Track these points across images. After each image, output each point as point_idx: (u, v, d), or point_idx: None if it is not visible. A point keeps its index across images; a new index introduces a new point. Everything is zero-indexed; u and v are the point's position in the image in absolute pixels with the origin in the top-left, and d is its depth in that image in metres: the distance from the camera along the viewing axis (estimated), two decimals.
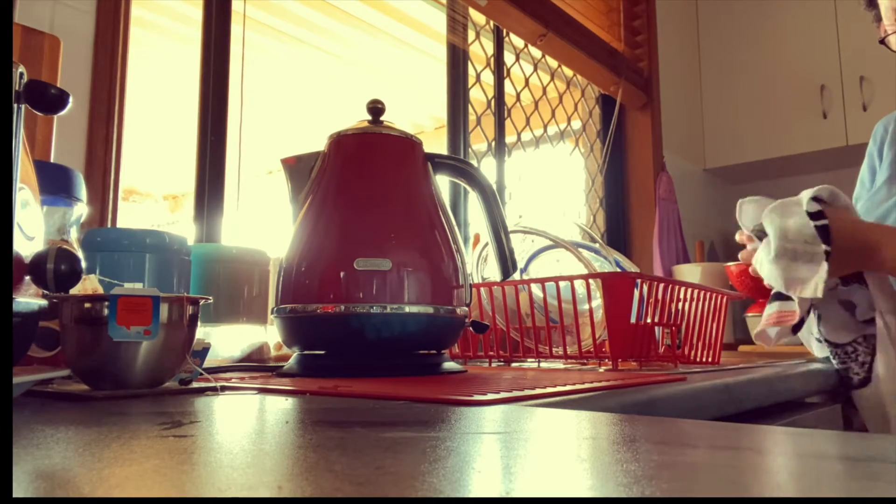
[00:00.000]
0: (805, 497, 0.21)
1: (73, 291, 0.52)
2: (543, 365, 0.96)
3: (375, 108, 0.81)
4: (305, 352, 0.76)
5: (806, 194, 0.91)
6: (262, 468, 0.26)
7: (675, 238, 2.24)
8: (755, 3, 2.51)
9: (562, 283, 0.94)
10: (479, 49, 1.88)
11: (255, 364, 0.88)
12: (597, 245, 1.18)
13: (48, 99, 0.48)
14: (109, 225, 1.01)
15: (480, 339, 1.02)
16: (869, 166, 1.26)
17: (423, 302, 0.73)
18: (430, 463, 0.26)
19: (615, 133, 2.26)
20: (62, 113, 0.49)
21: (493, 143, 1.87)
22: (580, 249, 1.04)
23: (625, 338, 0.88)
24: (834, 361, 1.03)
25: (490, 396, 0.49)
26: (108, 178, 1.02)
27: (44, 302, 0.49)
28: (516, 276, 0.94)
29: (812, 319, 1.03)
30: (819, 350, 1.07)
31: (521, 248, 1.13)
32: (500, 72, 1.93)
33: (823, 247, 0.87)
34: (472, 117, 1.81)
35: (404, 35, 2.49)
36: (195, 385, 0.55)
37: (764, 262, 0.91)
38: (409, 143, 0.81)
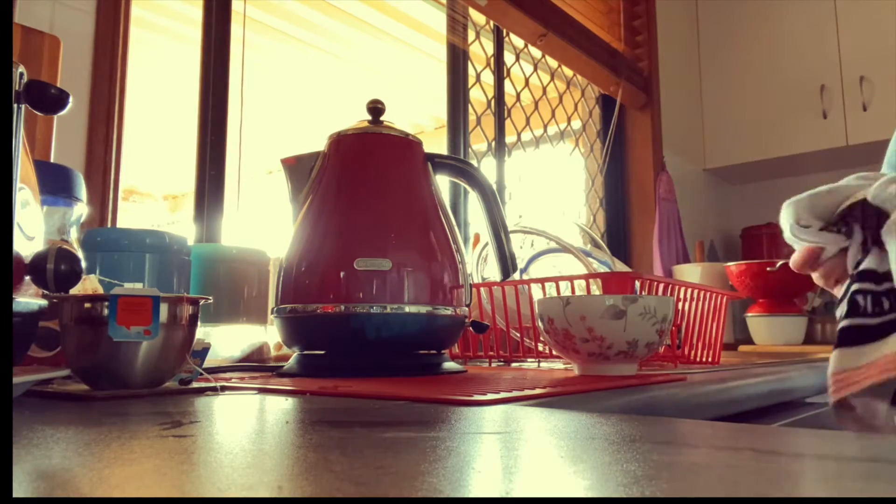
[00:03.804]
0: (805, 497, 0.21)
1: (73, 291, 0.52)
2: (543, 365, 0.96)
3: (375, 108, 0.81)
4: (305, 352, 0.76)
5: None
6: (262, 468, 0.26)
7: (675, 238, 2.24)
8: (755, 3, 2.51)
9: (562, 284, 0.94)
10: (479, 49, 1.88)
11: (255, 364, 0.88)
12: (598, 252, 1.18)
13: (48, 99, 0.48)
14: (109, 225, 1.01)
15: (480, 339, 1.02)
16: None
17: (423, 302, 0.73)
18: (430, 463, 0.26)
19: (615, 133, 2.26)
20: (62, 113, 0.49)
21: (493, 143, 1.87)
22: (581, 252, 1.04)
23: None
24: None
25: (490, 396, 0.49)
26: (108, 178, 1.02)
27: (44, 302, 0.49)
28: (516, 276, 0.94)
29: None
30: None
31: (522, 251, 1.13)
32: (500, 72, 1.93)
33: None
34: (472, 117, 1.81)
35: (404, 35, 2.48)
36: (195, 385, 0.55)
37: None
38: (408, 143, 0.81)
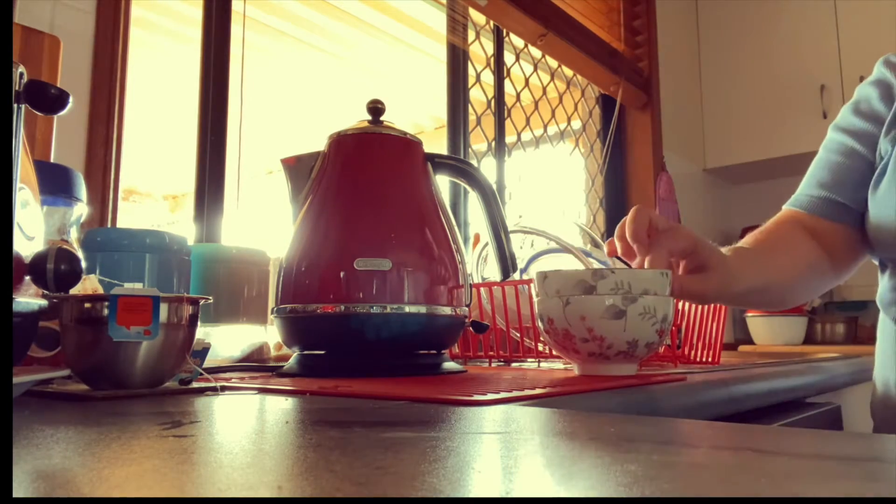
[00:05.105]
0: (805, 497, 0.21)
1: (73, 291, 0.52)
2: (543, 365, 0.96)
3: (375, 108, 0.81)
4: (305, 352, 0.76)
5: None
6: (262, 468, 0.26)
7: None
8: (755, 4, 2.51)
9: None
10: (479, 49, 1.88)
11: (255, 364, 0.88)
12: (598, 252, 1.18)
13: (48, 99, 0.48)
14: (109, 225, 1.01)
15: (480, 339, 1.02)
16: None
17: (423, 302, 0.73)
18: (430, 463, 0.26)
19: (615, 133, 2.26)
20: (62, 113, 0.49)
21: (493, 143, 1.87)
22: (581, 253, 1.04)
23: None
24: None
25: (490, 396, 0.49)
26: (108, 178, 1.02)
27: (44, 302, 0.49)
28: (516, 276, 0.94)
29: None
30: None
31: (522, 251, 1.13)
32: (500, 72, 1.93)
33: None
34: (472, 117, 1.81)
35: (404, 35, 2.48)
36: (195, 385, 0.55)
37: None
38: (408, 143, 0.81)
